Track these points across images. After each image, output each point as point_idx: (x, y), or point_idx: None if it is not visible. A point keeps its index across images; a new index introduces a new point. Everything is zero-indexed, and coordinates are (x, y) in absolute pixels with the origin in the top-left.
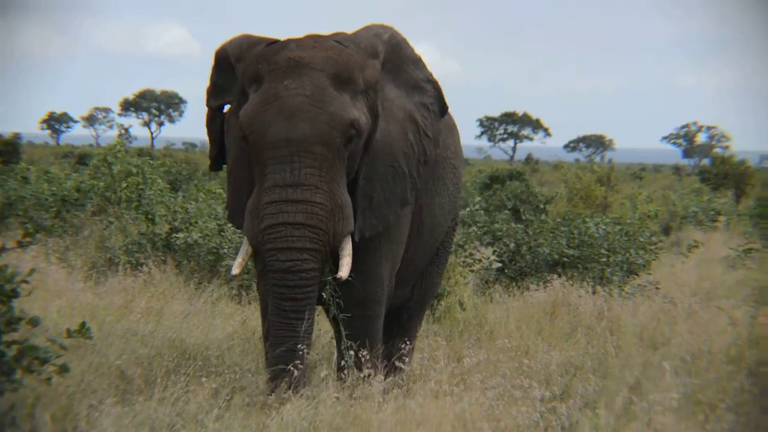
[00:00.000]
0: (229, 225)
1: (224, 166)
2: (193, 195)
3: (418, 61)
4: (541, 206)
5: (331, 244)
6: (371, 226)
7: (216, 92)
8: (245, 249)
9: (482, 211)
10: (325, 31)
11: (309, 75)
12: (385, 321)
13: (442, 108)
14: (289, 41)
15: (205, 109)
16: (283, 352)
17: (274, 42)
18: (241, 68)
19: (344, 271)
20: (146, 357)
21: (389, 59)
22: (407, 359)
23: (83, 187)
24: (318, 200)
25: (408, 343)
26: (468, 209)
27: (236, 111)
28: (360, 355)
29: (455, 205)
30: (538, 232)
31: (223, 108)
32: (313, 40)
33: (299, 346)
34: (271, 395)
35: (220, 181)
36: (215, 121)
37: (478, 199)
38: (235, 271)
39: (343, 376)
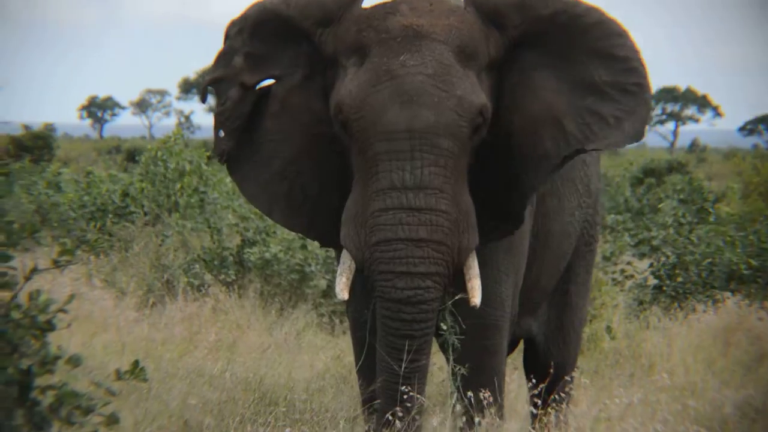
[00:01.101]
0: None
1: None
2: None
3: (617, 46)
4: (709, 206)
5: (455, 263)
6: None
7: (254, 65)
8: (348, 264)
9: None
10: None
11: (430, 48)
12: (525, 360)
13: (637, 132)
14: (398, 2)
15: (219, 90)
16: (392, 402)
17: None
18: (330, 33)
19: (477, 296)
20: (216, 403)
21: (555, 35)
22: (567, 397)
23: (132, 191)
24: (443, 208)
25: (562, 379)
26: (613, 215)
27: (304, 87)
28: (482, 397)
29: (589, 211)
30: (705, 238)
31: (258, 84)
32: (429, 2)
33: (412, 392)
34: None
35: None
36: (246, 101)
37: (668, 204)
38: (344, 295)
39: (461, 424)
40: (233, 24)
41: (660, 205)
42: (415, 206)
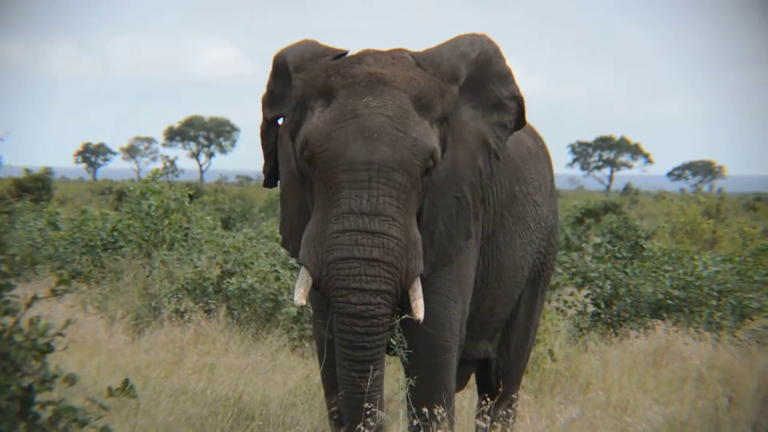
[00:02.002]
0: (286, 261)
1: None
2: (249, 234)
3: (506, 76)
4: (642, 242)
5: (402, 284)
6: (432, 264)
7: (273, 102)
8: (306, 279)
9: (565, 251)
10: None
11: (391, 94)
12: (477, 378)
13: (519, 123)
14: (364, 54)
15: (260, 121)
16: (354, 411)
17: (343, 54)
18: (301, 78)
19: (420, 312)
20: (198, 417)
21: (473, 77)
22: (513, 413)
23: (120, 227)
24: (395, 234)
25: (514, 396)
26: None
27: (289, 126)
28: (436, 413)
29: (542, 245)
30: (638, 271)
31: (278, 120)
32: (392, 56)
33: (369, 404)
34: None
35: (278, 219)
36: (270, 133)
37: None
38: (301, 301)
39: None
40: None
41: (594, 242)
42: (370, 230)
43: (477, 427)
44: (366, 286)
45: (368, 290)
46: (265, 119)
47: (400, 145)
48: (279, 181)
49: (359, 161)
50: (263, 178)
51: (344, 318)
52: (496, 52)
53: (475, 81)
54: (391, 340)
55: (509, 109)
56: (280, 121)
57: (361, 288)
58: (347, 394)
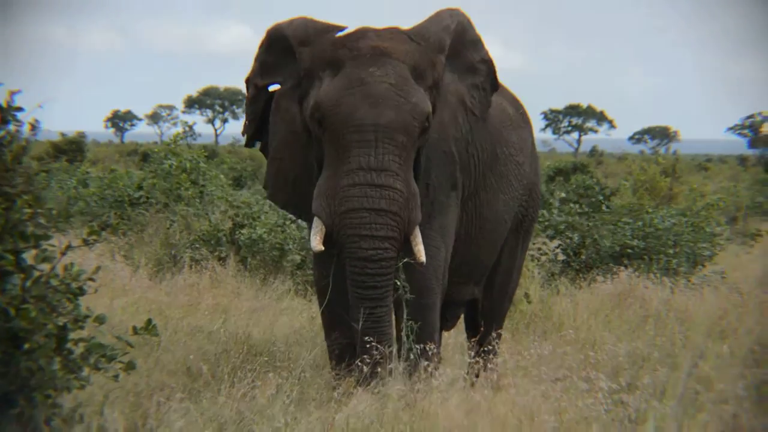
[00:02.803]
0: (280, 211)
1: (258, 143)
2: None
3: (476, 42)
4: (601, 198)
5: (405, 231)
6: (429, 214)
7: (264, 71)
8: (319, 227)
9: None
10: (381, 24)
11: (392, 65)
12: (466, 316)
13: (494, 85)
14: (366, 30)
15: (249, 90)
16: (366, 344)
17: (342, 29)
18: (309, 52)
19: (422, 256)
20: (213, 353)
21: (452, 45)
22: (495, 349)
23: (144, 185)
24: (399, 187)
25: (493, 334)
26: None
27: (291, 94)
28: (426, 347)
29: (524, 200)
30: (599, 224)
31: (267, 87)
32: (390, 32)
33: (383, 337)
34: (338, 387)
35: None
36: (258, 99)
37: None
38: (319, 247)
39: (406, 368)
40: (262, 39)
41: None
42: (377, 183)
43: (466, 362)
44: (375, 233)
45: (377, 237)
46: (255, 86)
47: (401, 109)
48: (260, 142)
49: (367, 123)
50: (244, 138)
51: (356, 262)
52: (468, 22)
53: (453, 49)
54: (396, 281)
55: (480, 72)
56: (272, 88)
57: (371, 235)
58: (363, 329)
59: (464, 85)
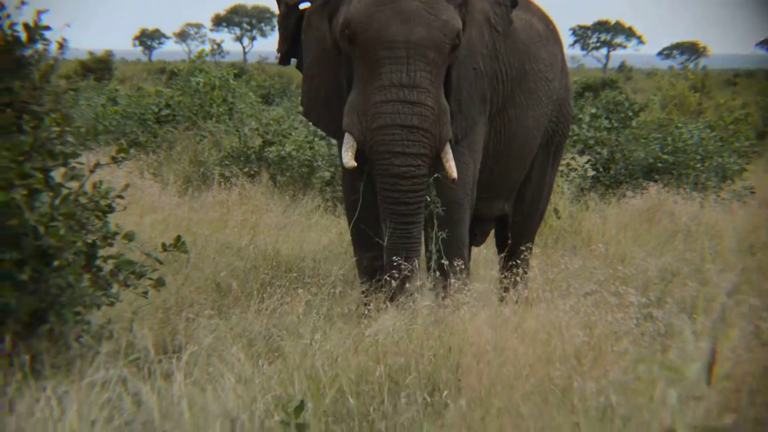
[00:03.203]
0: (311, 127)
1: (293, 60)
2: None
3: None
4: (630, 114)
5: (436, 148)
6: (462, 129)
7: None
8: (351, 143)
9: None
10: None
11: None
12: (496, 232)
13: (513, 1)
14: None
15: (281, 8)
16: (398, 260)
17: None
18: None
19: (454, 172)
20: (242, 270)
21: None
22: (523, 264)
23: (171, 103)
24: (430, 104)
25: (525, 248)
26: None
27: (322, 10)
28: (451, 263)
29: (553, 116)
30: (630, 138)
31: (298, 5)
32: None
33: (412, 253)
34: (367, 303)
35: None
36: (290, 17)
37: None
38: (351, 163)
39: (436, 283)
40: None
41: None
42: (409, 100)
43: (495, 277)
44: (408, 150)
45: (409, 154)
46: (286, 5)
47: (432, 26)
48: (295, 59)
49: (398, 40)
50: (277, 56)
51: (389, 178)
52: None
53: None
54: (427, 197)
55: (501, 17)
56: (302, 6)
57: (404, 152)
58: (391, 245)
59: (488, 2)
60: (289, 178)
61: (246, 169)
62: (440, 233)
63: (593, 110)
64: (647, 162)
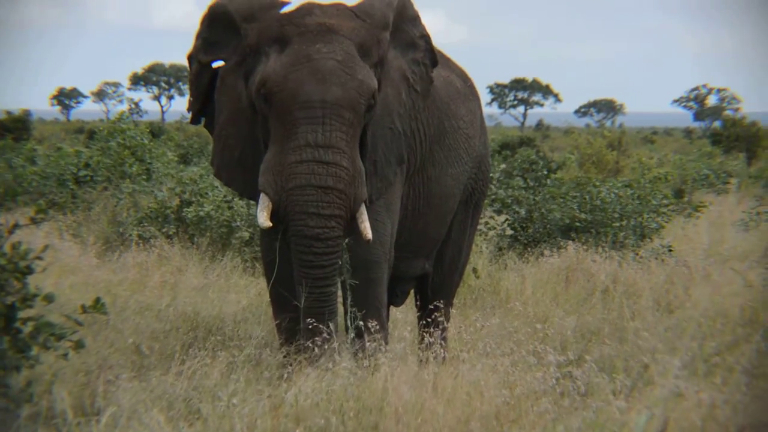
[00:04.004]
0: (225, 187)
1: (203, 119)
2: (204, 167)
3: (415, 19)
4: (545, 173)
5: (351, 209)
6: (378, 190)
7: (207, 48)
8: (266, 203)
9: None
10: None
11: (339, 42)
12: (416, 290)
13: (433, 60)
14: (311, 6)
15: (192, 66)
16: (314, 323)
17: (285, 4)
18: (254, 28)
19: (369, 233)
20: (162, 331)
21: (394, 22)
22: (441, 324)
23: (91, 163)
24: (345, 164)
25: (444, 307)
26: None
27: (237, 70)
28: (368, 324)
29: (473, 173)
30: (547, 197)
31: (212, 63)
32: (336, 8)
33: (329, 316)
34: (288, 366)
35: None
36: (202, 76)
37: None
38: (267, 223)
39: (353, 344)
40: (203, 15)
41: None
42: (324, 160)
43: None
44: (322, 211)
45: (324, 215)
46: (199, 63)
47: (348, 86)
48: (205, 119)
49: (314, 100)
50: (189, 115)
51: (303, 240)
52: None
53: (395, 25)
54: (341, 261)
55: (419, 47)
56: (215, 65)
57: (318, 213)
58: (307, 309)
59: (405, 60)
60: (208, 238)
61: (164, 230)
62: (356, 295)
63: (502, 166)
64: (564, 222)
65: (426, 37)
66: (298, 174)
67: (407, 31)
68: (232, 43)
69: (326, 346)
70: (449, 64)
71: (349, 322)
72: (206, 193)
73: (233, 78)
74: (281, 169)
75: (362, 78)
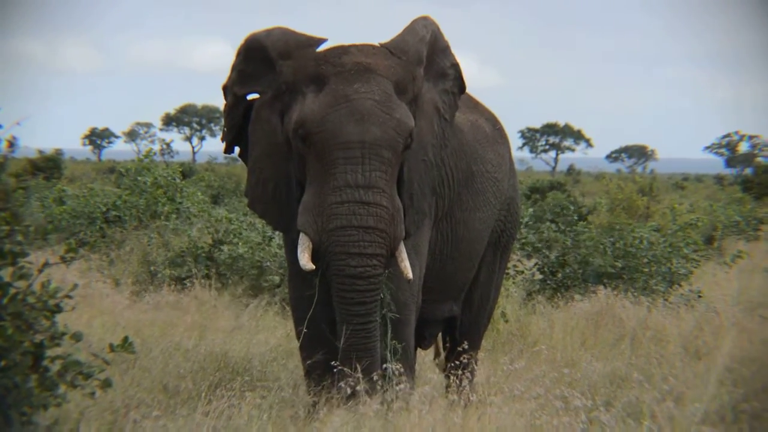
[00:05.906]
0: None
1: (236, 148)
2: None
3: (446, 49)
4: (575, 218)
5: (391, 247)
6: (414, 223)
7: (243, 80)
8: (306, 243)
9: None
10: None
11: (376, 81)
12: (444, 333)
13: (461, 88)
14: (348, 46)
15: (228, 98)
16: (351, 361)
17: (322, 41)
18: (291, 65)
19: (409, 272)
20: (190, 371)
21: (427, 57)
22: (469, 367)
23: (119, 203)
24: (385, 204)
25: (468, 350)
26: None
27: (274, 105)
28: (393, 368)
29: (502, 216)
30: (587, 242)
31: (246, 96)
32: (372, 48)
33: (371, 353)
34: (316, 407)
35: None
36: (237, 107)
37: (530, 210)
38: (309, 265)
39: (384, 386)
40: (239, 47)
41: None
42: (365, 201)
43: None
44: (364, 251)
45: (366, 254)
46: (234, 95)
47: (387, 126)
48: (239, 149)
49: (353, 140)
50: (223, 145)
51: (345, 279)
52: (439, 29)
53: (428, 58)
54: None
55: (449, 76)
56: (250, 97)
57: (360, 252)
58: (349, 345)
59: (437, 91)
60: (240, 278)
61: (195, 270)
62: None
63: (530, 210)
64: (603, 268)
65: (456, 66)
66: (339, 215)
67: (439, 62)
68: (267, 77)
69: (359, 387)
70: (478, 107)
71: (385, 363)
72: (240, 233)
73: (268, 112)
74: (321, 210)
75: (400, 117)
